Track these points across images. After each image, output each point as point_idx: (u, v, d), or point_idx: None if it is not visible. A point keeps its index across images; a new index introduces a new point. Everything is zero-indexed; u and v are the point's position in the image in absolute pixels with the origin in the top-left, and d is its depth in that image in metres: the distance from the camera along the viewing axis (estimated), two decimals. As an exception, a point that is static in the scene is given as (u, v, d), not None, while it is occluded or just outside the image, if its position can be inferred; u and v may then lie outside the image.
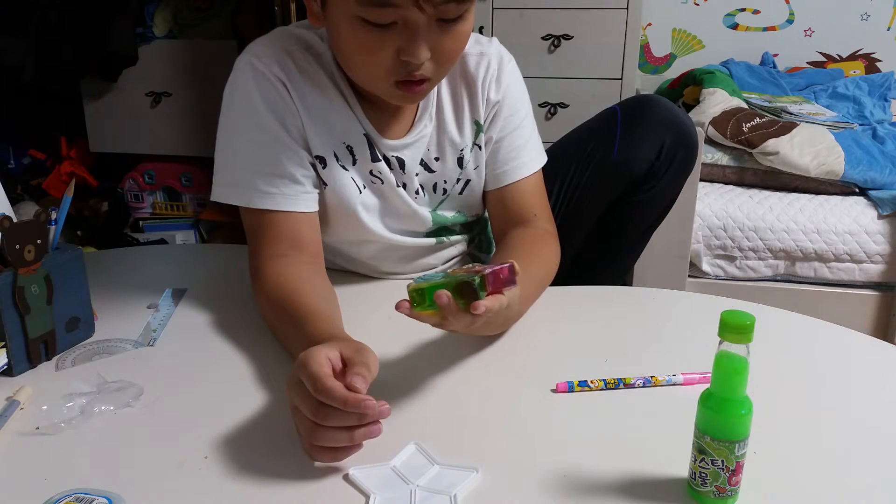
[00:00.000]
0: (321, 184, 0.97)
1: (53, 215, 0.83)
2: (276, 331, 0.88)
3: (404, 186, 1.01)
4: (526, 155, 1.05)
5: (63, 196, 0.87)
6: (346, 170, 0.97)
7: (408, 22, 0.79)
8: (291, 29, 0.98)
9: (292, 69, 0.93)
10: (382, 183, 0.99)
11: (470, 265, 0.77)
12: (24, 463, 0.66)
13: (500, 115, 1.03)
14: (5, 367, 0.78)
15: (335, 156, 0.96)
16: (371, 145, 0.97)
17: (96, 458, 0.67)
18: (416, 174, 1.01)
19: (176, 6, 2.23)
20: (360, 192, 0.98)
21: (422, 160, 1.01)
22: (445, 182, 1.03)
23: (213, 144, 0.96)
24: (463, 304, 0.68)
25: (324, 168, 0.96)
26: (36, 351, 0.81)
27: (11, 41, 2.09)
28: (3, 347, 0.78)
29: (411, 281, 0.71)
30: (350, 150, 0.96)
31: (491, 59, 1.01)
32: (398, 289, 0.80)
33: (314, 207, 0.96)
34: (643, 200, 1.15)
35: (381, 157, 0.98)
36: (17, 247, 0.77)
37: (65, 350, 0.84)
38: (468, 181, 1.04)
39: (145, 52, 2.19)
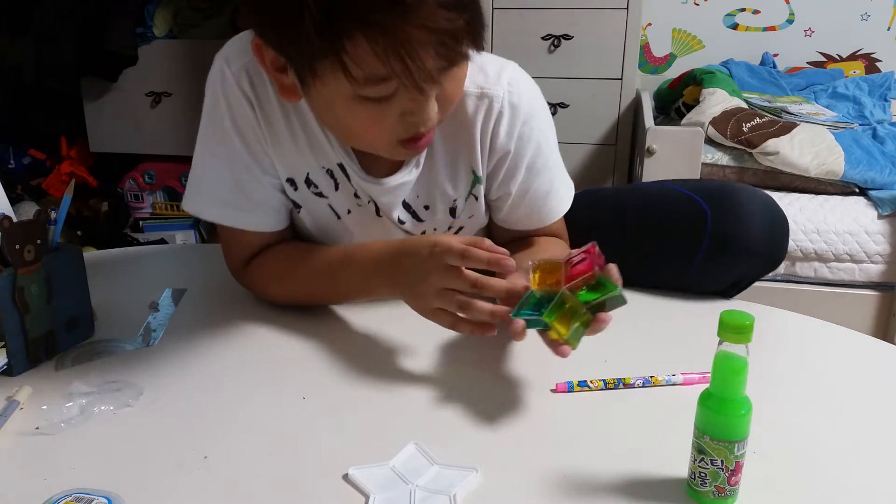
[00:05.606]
0: (294, 206, 0.92)
1: (53, 215, 0.83)
2: (305, 284, 0.89)
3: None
4: (550, 202, 0.94)
5: (63, 196, 0.86)
6: (323, 196, 0.90)
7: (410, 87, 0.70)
8: None
9: (263, 81, 0.84)
10: (369, 202, 0.90)
11: (537, 266, 0.73)
12: (24, 463, 0.66)
13: (518, 168, 0.90)
14: (5, 366, 0.78)
15: (308, 181, 0.89)
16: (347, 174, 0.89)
17: (96, 458, 0.67)
18: (402, 221, 0.93)
19: (176, 6, 2.23)
20: (340, 219, 0.92)
21: (410, 208, 0.92)
22: (435, 230, 0.95)
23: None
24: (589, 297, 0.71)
25: (295, 191, 0.90)
26: (36, 351, 0.81)
27: (11, 41, 2.09)
28: (3, 347, 0.78)
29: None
30: (331, 174, 0.88)
31: (493, 100, 0.86)
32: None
33: (284, 224, 0.94)
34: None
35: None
36: (17, 247, 0.77)
37: (65, 350, 0.84)
38: (461, 228, 0.96)
39: (145, 52, 2.20)
